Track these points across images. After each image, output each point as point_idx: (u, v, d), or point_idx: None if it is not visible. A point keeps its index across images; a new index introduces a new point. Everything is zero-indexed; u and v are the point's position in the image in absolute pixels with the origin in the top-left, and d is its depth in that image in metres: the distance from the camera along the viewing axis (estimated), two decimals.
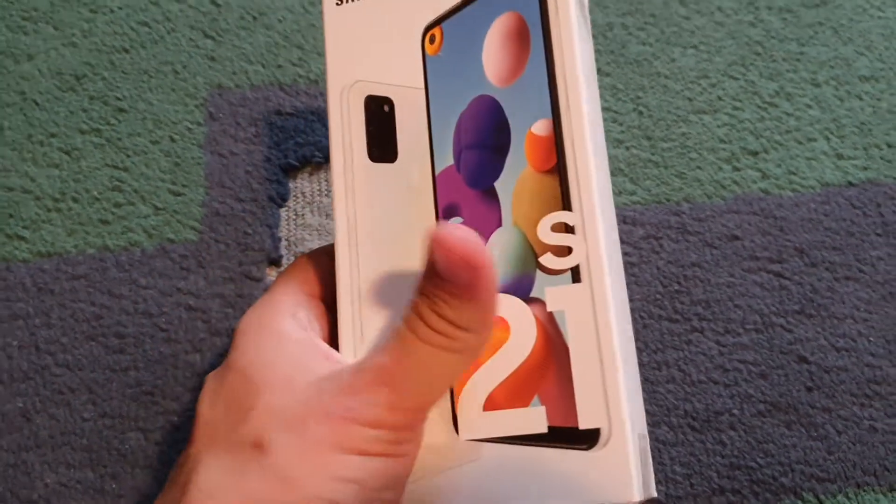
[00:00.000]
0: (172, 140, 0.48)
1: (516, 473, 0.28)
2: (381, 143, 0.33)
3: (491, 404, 0.29)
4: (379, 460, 0.27)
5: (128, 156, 0.48)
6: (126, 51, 0.50)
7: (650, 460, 0.29)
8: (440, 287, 0.26)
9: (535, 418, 0.28)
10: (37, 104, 0.49)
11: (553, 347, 0.28)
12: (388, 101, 0.33)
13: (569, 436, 0.28)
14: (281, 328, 0.30)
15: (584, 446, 0.27)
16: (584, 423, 0.28)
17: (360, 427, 0.26)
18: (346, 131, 0.34)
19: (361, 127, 0.34)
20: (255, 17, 0.51)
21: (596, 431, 0.27)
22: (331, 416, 0.27)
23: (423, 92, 0.33)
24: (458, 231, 0.25)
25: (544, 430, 0.28)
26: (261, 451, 0.27)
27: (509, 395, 0.29)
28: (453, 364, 0.27)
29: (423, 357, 0.27)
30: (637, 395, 0.29)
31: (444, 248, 0.25)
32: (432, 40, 0.33)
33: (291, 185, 0.47)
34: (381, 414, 0.27)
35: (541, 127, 0.30)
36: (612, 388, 0.27)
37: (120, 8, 0.51)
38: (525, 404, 0.28)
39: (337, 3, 0.35)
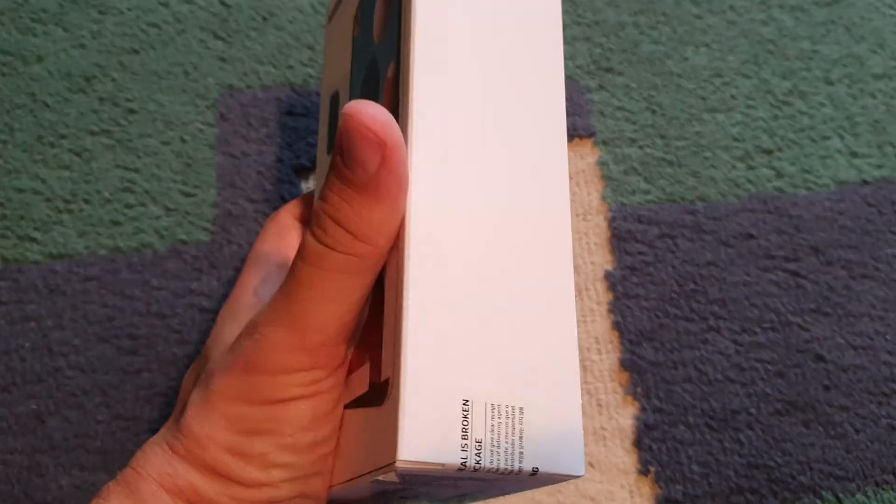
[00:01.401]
0: (183, 141, 0.48)
1: (351, 438, 0.27)
2: (333, 135, 0.34)
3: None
4: (293, 405, 0.26)
5: (139, 157, 0.48)
6: (136, 52, 0.50)
7: (499, 434, 0.25)
8: (345, 181, 0.24)
9: (363, 377, 0.27)
10: (47, 106, 0.49)
11: (377, 295, 0.27)
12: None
13: (378, 393, 0.26)
14: (240, 301, 0.31)
15: (379, 402, 0.25)
16: (383, 376, 0.26)
17: (261, 376, 0.26)
18: (321, 130, 0.37)
19: (325, 124, 0.37)
20: (265, 18, 0.51)
21: (386, 384, 0.25)
22: (231, 370, 0.26)
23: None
24: (373, 107, 0.24)
25: (366, 388, 0.27)
26: (181, 413, 0.27)
27: (357, 356, 0.28)
28: (354, 287, 0.25)
29: (318, 288, 0.25)
30: (499, 356, 0.25)
31: (355, 120, 0.23)
32: (355, 23, 0.34)
33: (303, 185, 0.47)
34: (282, 359, 0.26)
35: (390, 69, 0.29)
36: (401, 333, 0.25)
37: (129, 9, 0.51)
38: (363, 363, 0.27)
39: (328, 21, 0.38)
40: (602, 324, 0.44)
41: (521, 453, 0.24)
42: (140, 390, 0.43)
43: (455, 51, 0.28)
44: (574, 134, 0.48)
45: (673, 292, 0.44)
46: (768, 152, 0.47)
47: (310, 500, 0.27)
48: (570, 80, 0.49)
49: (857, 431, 0.42)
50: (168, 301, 0.44)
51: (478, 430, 0.24)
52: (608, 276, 0.45)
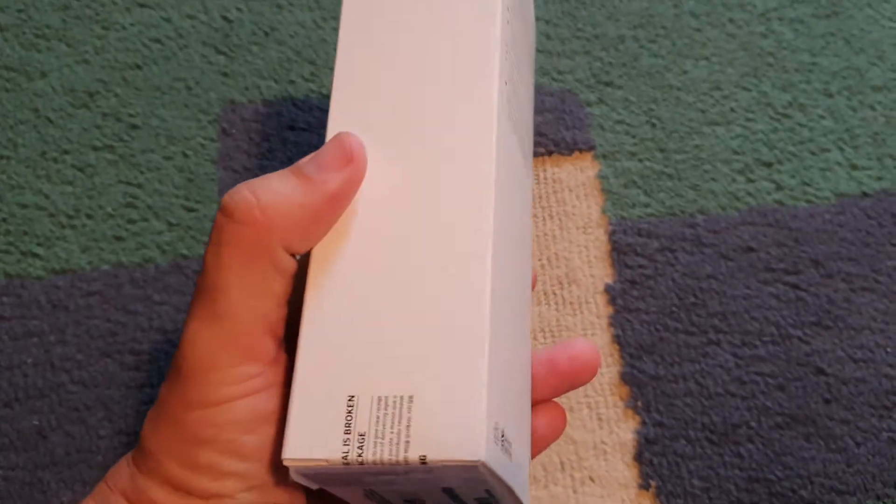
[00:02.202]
0: (186, 156, 0.48)
1: None
2: None
3: None
4: (228, 407, 0.26)
5: (141, 172, 0.48)
6: (139, 67, 0.51)
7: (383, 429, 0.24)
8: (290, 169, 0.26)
9: None
10: (50, 121, 0.49)
11: None
12: None
13: None
14: None
15: None
16: None
17: (193, 378, 0.26)
18: None
19: None
20: (266, 33, 0.51)
21: None
22: (170, 377, 0.27)
23: None
24: (356, 136, 0.27)
25: None
26: None
27: None
28: (257, 268, 0.25)
29: (222, 269, 0.25)
30: (393, 350, 0.25)
31: (340, 134, 0.27)
32: None
33: None
34: (206, 355, 0.26)
35: None
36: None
37: (132, 24, 0.52)
38: None
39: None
40: (602, 337, 0.44)
41: (408, 442, 0.24)
42: (142, 405, 0.43)
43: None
44: (574, 147, 0.48)
45: (673, 306, 0.44)
46: (768, 165, 0.48)
47: None
48: (569, 93, 0.49)
49: (857, 445, 0.42)
50: (170, 316, 0.45)
51: (361, 424, 0.24)
52: (608, 289, 0.45)
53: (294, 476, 0.24)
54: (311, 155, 0.27)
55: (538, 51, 0.50)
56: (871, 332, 0.44)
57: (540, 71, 0.50)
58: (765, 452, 0.42)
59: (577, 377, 0.30)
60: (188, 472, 0.26)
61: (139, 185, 0.48)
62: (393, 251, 0.26)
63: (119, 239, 0.46)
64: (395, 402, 0.24)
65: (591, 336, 0.44)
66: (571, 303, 0.45)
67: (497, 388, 0.25)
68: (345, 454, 0.24)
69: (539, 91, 0.49)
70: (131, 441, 0.42)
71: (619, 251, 0.46)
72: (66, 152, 0.48)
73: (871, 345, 0.44)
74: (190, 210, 0.47)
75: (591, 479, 0.41)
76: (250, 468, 0.26)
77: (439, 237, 0.26)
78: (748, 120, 0.49)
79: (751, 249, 0.46)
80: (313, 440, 0.24)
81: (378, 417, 0.24)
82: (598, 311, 0.45)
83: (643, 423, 0.42)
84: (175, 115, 0.49)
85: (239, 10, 0.52)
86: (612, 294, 0.45)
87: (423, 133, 0.28)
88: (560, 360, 0.30)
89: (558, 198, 0.47)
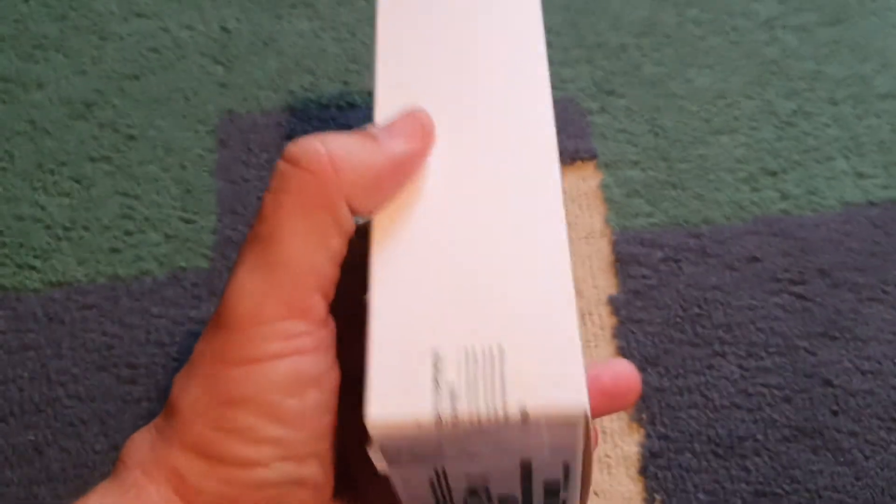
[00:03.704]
0: (183, 167, 0.48)
1: None
2: None
3: None
4: (271, 364, 0.24)
5: (138, 183, 0.47)
6: (136, 78, 0.50)
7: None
8: (360, 133, 0.26)
9: None
10: (47, 132, 0.49)
11: None
12: None
13: None
14: None
15: None
16: None
17: (235, 330, 0.25)
18: None
19: None
20: (265, 43, 0.51)
21: None
22: (208, 329, 0.26)
23: None
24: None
25: None
26: None
27: None
28: (318, 220, 0.25)
29: (282, 216, 0.25)
30: (475, 302, 0.24)
31: (415, 109, 0.27)
32: None
33: None
34: (253, 305, 0.24)
35: None
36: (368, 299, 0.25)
37: (129, 35, 0.51)
38: None
39: None
40: (606, 349, 0.43)
41: (505, 396, 0.22)
42: (139, 420, 0.42)
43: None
44: (576, 157, 0.48)
45: (677, 317, 0.44)
46: (773, 174, 0.47)
47: (306, 490, 0.25)
48: (571, 102, 0.49)
49: (866, 458, 0.41)
50: (167, 329, 0.44)
51: (451, 379, 0.22)
52: (612, 300, 0.44)
53: (373, 451, 0.22)
54: (383, 124, 0.26)
55: None
56: (879, 343, 0.43)
57: None
58: (772, 466, 0.41)
59: (621, 398, 0.28)
60: (221, 434, 0.24)
61: (136, 197, 0.47)
62: (461, 213, 0.26)
63: (116, 251, 0.46)
64: (484, 354, 0.23)
65: (594, 348, 0.43)
66: None
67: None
68: (438, 412, 0.22)
69: None
70: None
71: (623, 262, 0.45)
72: (62, 164, 0.48)
73: (878, 356, 0.43)
74: (187, 222, 0.46)
75: (596, 494, 0.41)
76: (289, 435, 0.24)
77: (509, 200, 0.26)
78: (752, 129, 0.48)
79: (756, 259, 0.45)
80: (400, 399, 0.22)
81: (468, 371, 0.22)
82: (601, 323, 0.44)
83: (648, 435, 0.42)
84: (173, 126, 0.49)
85: (237, 20, 0.52)
86: (615, 305, 0.44)
87: (482, 125, 0.28)
88: (604, 378, 0.28)
89: None
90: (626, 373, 0.28)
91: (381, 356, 0.23)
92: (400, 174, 0.26)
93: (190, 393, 0.24)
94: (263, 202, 0.25)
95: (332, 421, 0.25)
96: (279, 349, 0.24)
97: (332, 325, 0.26)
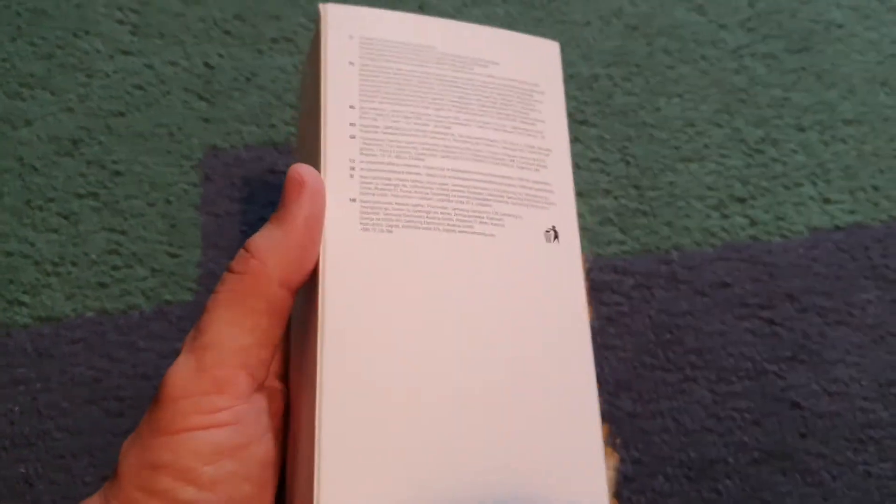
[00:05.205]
0: (168, 202, 0.49)
1: None
2: None
3: None
4: (190, 435, 0.27)
5: (125, 219, 0.49)
6: (122, 114, 0.51)
7: None
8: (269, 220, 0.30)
9: None
10: (35, 169, 0.50)
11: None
12: None
13: None
14: None
15: None
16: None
17: (165, 404, 0.28)
18: None
19: None
20: (247, 79, 0.52)
21: None
22: (151, 405, 0.29)
23: None
24: (307, 167, 0.30)
25: None
26: None
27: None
28: (247, 309, 0.29)
29: (216, 309, 0.29)
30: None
31: (291, 170, 0.30)
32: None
33: None
34: (181, 382, 0.28)
35: None
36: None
37: (115, 72, 0.52)
38: None
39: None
40: None
41: None
42: None
43: None
44: None
45: (650, 342, 0.45)
46: (742, 200, 0.48)
47: None
48: None
49: (833, 479, 0.42)
50: (154, 362, 0.45)
51: None
52: None
53: None
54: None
55: None
56: (846, 366, 0.44)
57: None
58: (742, 488, 0.42)
59: None
60: (146, 495, 0.27)
61: (123, 232, 0.48)
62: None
63: (103, 286, 0.47)
64: None
65: None
66: None
67: None
68: None
69: None
70: None
71: (596, 289, 0.46)
72: (50, 200, 0.49)
73: (845, 378, 0.44)
74: (173, 256, 0.48)
75: None
76: (206, 499, 0.27)
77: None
78: (722, 156, 0.49)
79: (726, 285, 0.46)
80: None
81: None
82: None
83: (622, 460, 0.43)
84: (158, 162, 0.50)
85: (220, 56, 0.53)
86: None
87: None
88: None
89: None
90: None
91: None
92: (315, 231, 0.30)
93: (127, 458, 0.27)
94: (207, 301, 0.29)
95: (254, 491, 0.28)
96: (200, 422, 0.27)
97: (258, 400, 0.29)
